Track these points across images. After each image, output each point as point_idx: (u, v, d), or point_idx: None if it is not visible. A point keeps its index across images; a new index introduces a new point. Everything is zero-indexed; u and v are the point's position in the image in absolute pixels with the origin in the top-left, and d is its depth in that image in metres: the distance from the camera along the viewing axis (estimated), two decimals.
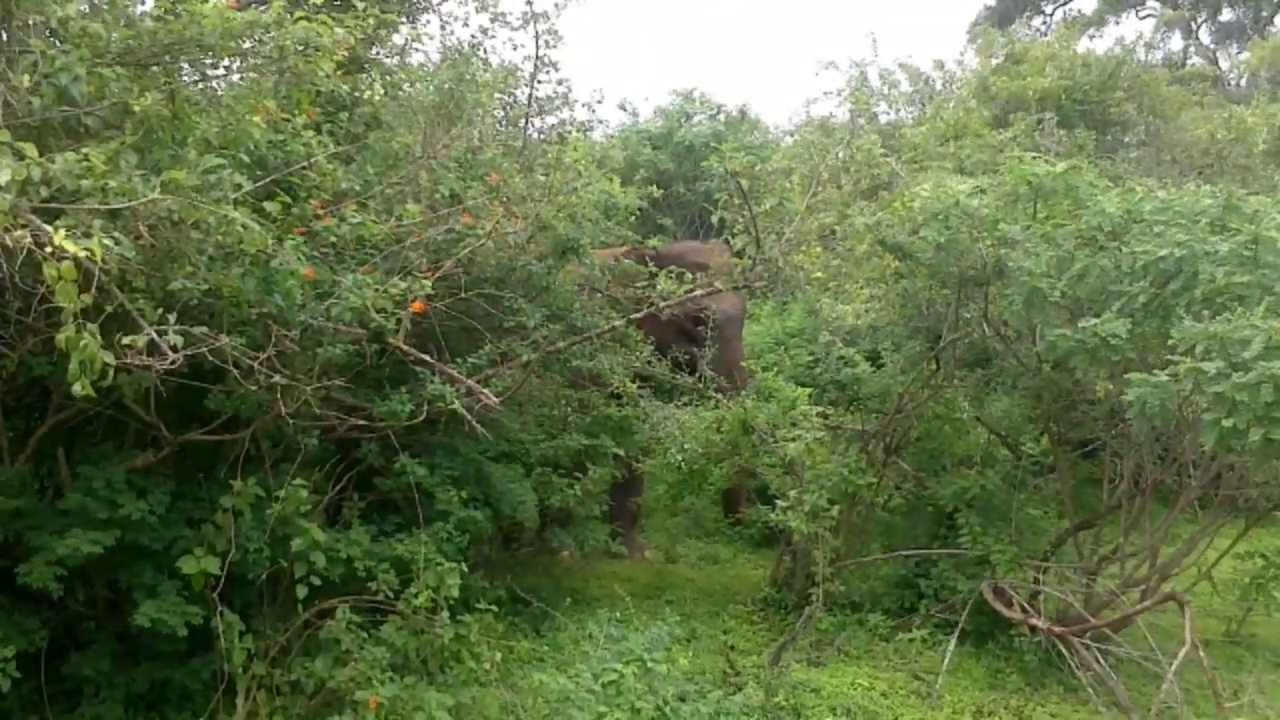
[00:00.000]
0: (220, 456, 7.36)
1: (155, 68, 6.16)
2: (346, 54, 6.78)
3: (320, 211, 7.06)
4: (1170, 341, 7.42)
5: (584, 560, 11.15)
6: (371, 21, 6.89)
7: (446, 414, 7.68)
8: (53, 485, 7.09)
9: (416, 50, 9.80)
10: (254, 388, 6.13)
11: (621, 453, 10.22)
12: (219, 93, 6.95)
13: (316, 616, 7.35)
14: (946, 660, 8.80)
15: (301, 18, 6.27)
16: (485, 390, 7.44)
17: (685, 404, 10.89)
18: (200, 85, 6.59)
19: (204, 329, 5.57)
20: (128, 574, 6.98)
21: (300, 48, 6.18)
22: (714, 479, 10.92)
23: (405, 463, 7.94)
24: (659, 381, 10.98)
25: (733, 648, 9.37)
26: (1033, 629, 8.84)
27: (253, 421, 6.91)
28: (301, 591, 7.04)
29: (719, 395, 10.48)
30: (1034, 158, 9.00)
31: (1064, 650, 8.61)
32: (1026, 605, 9.15)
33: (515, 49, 10.04)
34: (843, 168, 10.68)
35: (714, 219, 10.20)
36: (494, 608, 7.72)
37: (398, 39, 9.45)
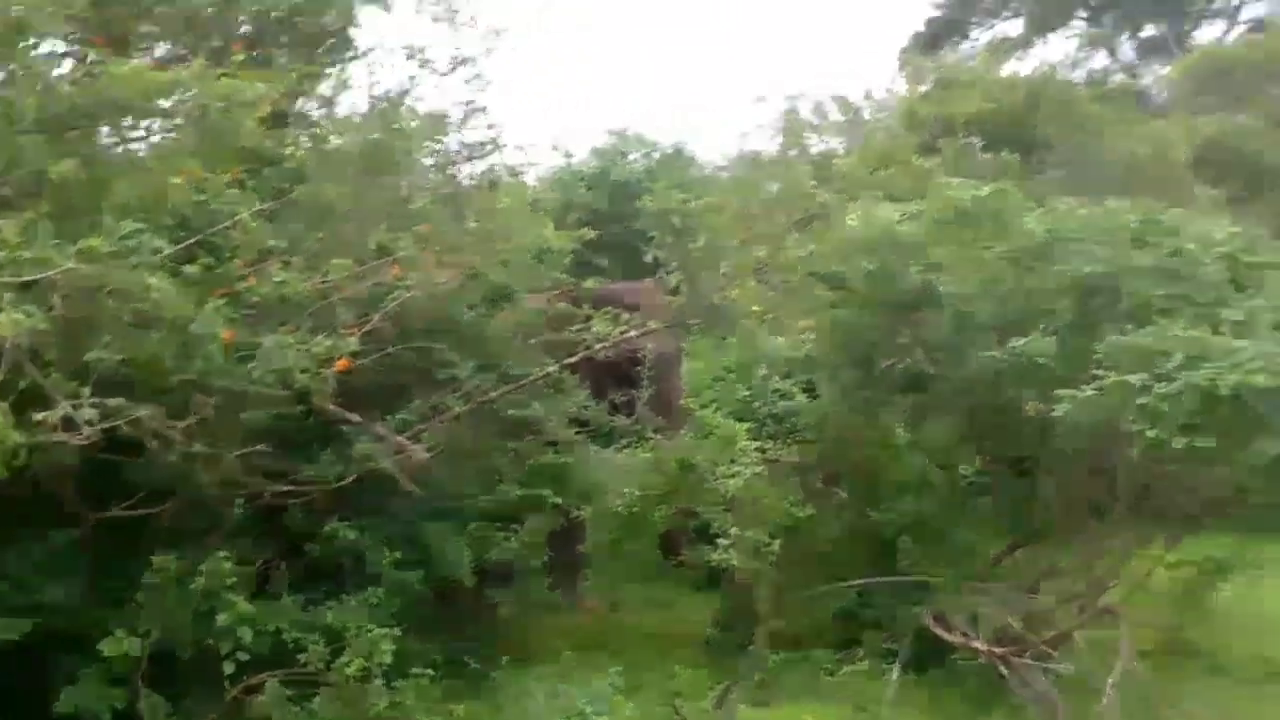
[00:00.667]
0: (144, 532, 7.18)
1: (73, 132, 6.02)
2: (270, 109, 6.65)
3: (244, 271, 6.91)
4: (1096, 356, 7.47)
5: (525, 614, 10.94)
6: (294, 75, 6.76)
7: (376, 474, 7.53)
8: None
9: (340, 103, 9.65)
10: (173, 458, 5.95)
11: (560, 501, 10.06)
12: (140, 154, 6.79)
13: (245, 693, 7.16)
14: (891, 691, 8.73)
15: (223, 74, 6.17)
16: (414, 445, 7.29)
17: (625, 447, 10.77)
18: (120, 148, 6.43)
19: (121, 400, 5.42)
20: (49, 660, 6.83)
21: (222, 105, 6.04)
22: (654, 522, 10.78)
23: (334, 527, 7.77)
24: (598, 425, 10.84)
25: (679, 694, 9.18)
26: (974, 652, 8.79)
27: (174, 494, 6.73)
28: (229, 668, 6.89)
29: (657, 435, 10.37)
30: (959, 183, 9.03)
31: (1005, 671, 8.56)
32: (966, 629, 9.09)
33: (443, 95, 9.94)
34: (775, 201, 10.66)
35: (647, 258, 10.11)
36: (429, 671, 7.56)
37: (325, 90, 9.32)
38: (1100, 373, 7.25)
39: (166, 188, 6.21)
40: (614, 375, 11.10)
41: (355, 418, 7.36)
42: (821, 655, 9.66)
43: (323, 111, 9.72)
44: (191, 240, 6.55)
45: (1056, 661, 8.53)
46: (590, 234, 11.00)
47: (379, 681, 7.21)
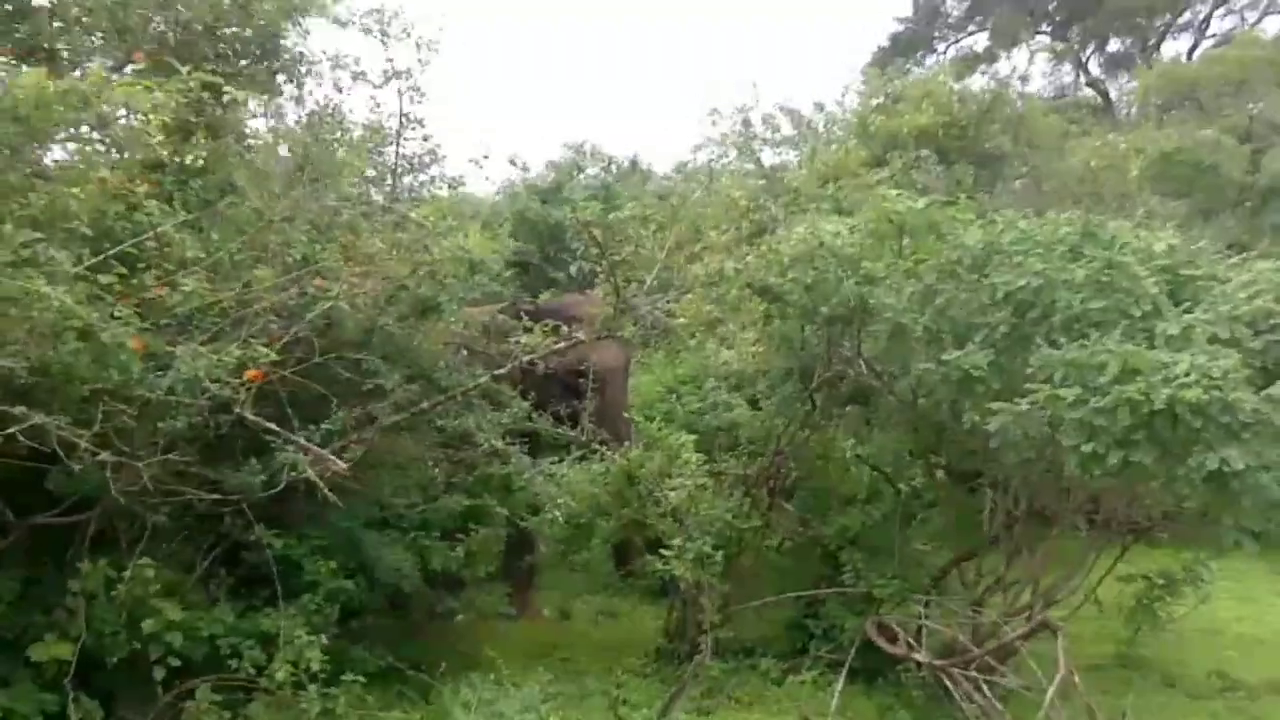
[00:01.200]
0: (74, 539, 7.16)
1: None
2: (171, 119, 6.61)
3: (159, 280, 6.88)
4: (1027, 370, 7.50)
5: (474, 624, 10.92)
6: (194, 84, 6.72)
7: (308, 483, 7.51)
8: None
9: (267, 115, 9.61)
10: (80, 466, 5.93)
11: (505, 512, 10.04)
12: (48, 166, 6.75)
13: (178, 698, 7.18)
14: (835, 701, 8.73)
15: (123, 84, 6.14)
16: (332, 457, 7.28)
17: (577, 459, 10.74)
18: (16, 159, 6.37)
19: (23, 408, 5.40)
20: None
21: (121, 115, 6.02)
22: (600, 533, 10.76)
23: (264, 534, 7.76)
24: (544, 437, 10.81)
25: (625, 701, 9.16)
26: (917, 664, 8.81)
27: (98, 502, 6.70)
28: (159, 673, 6.97)
29: (602, 448, 10.34)
30: (898, 195, 9.07)
31: (949, 684, 8.58)
32: (911, 640, 9.11)
33: (378, 107, 9.91)
34: (722, 213, 10.69)
35: (571, 270, 10.14)
36: (361, 679, 7.56)
37: (253, 104, 9.28)
38: (1034, 387, 7.30)
39: (69, 199, 6.10)
40: (562, 387, 11.07)
41: (274, 427, 7.30)
42: (769, 665, 9.64)
43: (259, 121, 9.68)
44: (111, 252, 6.48)
45: (1001, 674, 8.55)
46: (513, 245, 10.96)
47: (313, 688, 7.20)
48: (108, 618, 7.02)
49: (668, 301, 10.31)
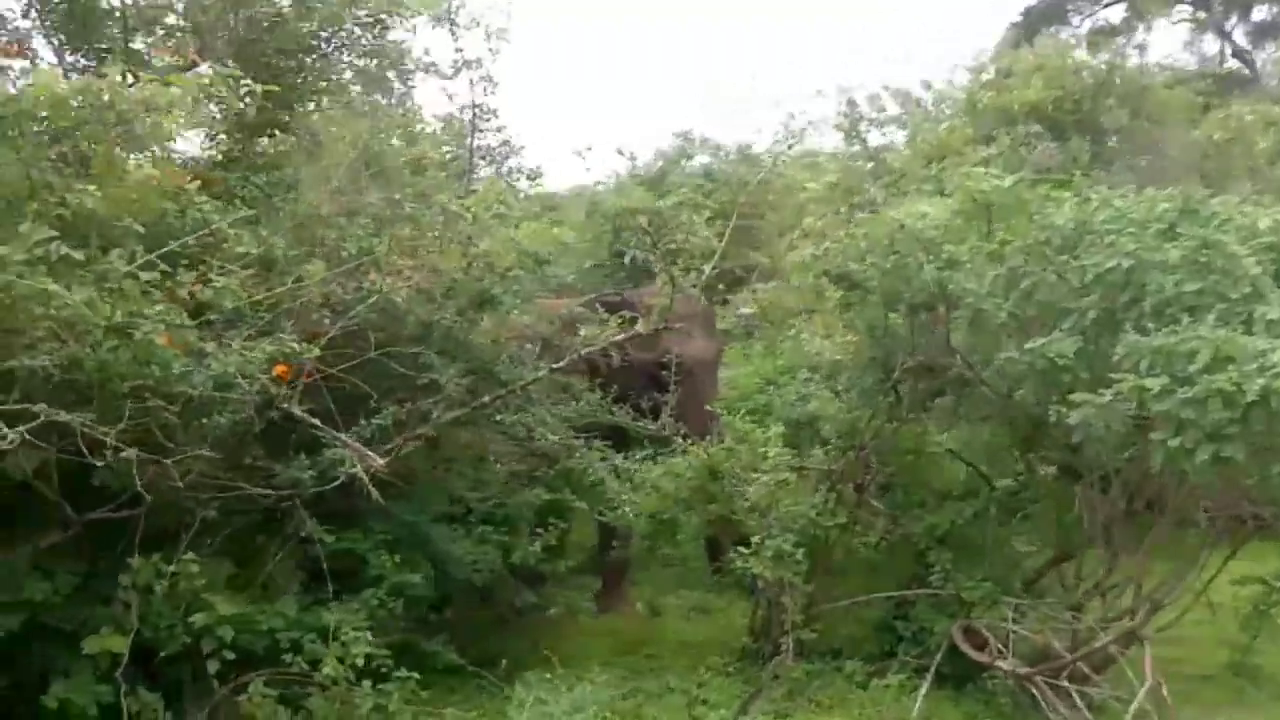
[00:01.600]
0: (135, 532, 7.21)
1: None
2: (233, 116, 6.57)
3: (200, 277, 6.82)
4: (1115, 358, 7.00)
5: (563, 619, 10.76)
6: (207, 80, 6.63)
7: (378, 477, 7.46)
8: None
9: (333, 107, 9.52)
10: (106, 463, 5.92)
11: (585, 506, 9.86)
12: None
13: (234, 692, 7.21)
14: (917, 707, 8.34)
15: (150, 80, 6.08)
16: (370, 453, 7.16)
17: (654, 455, 10.49)
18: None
19: (43, 405, 5.40)
20: (38, 656, 6.95)
21: (142, 111, 5.95)
22: (685, 529, 10.49)
23: (316, 530, 7.73)
24: (630, 432, 10.58)
25: (704, 701, 8.90)
26: (1004, 672, 8.35)
27: (146, 497, 6.71)
28: (213, 666, 6.98)
29: (683, 441, 10.05)
30: (985, 173, 8.58)
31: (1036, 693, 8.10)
32: (1000, 646, 8.62)
33: (450, 98, 9.78)
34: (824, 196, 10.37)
35: (625, 259, 9.86)
36: (415, 675, 7.47)
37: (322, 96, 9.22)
38: (1118, 376, 6.79)
39: (84, 196, 6.04)
40: (645, 379, 10.81)
41: (316, 423, 7.23)
42: (854, 668, 9.25)
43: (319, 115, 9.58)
44: (163, 250, 6.46)
45: (1095, 684, 8.06)
46: (568, 236, 10.63)
47: (366, 683, 7.18)
48: (164, 611, 7.06)
49: (752, 291, 10.00)
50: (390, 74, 9.93)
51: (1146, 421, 6.74)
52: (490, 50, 9.42)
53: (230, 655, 7.12)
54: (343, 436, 7.29)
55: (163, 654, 7.11)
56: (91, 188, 6.04)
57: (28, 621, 6.79)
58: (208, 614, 7.08)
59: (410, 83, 9.58)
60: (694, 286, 9.41)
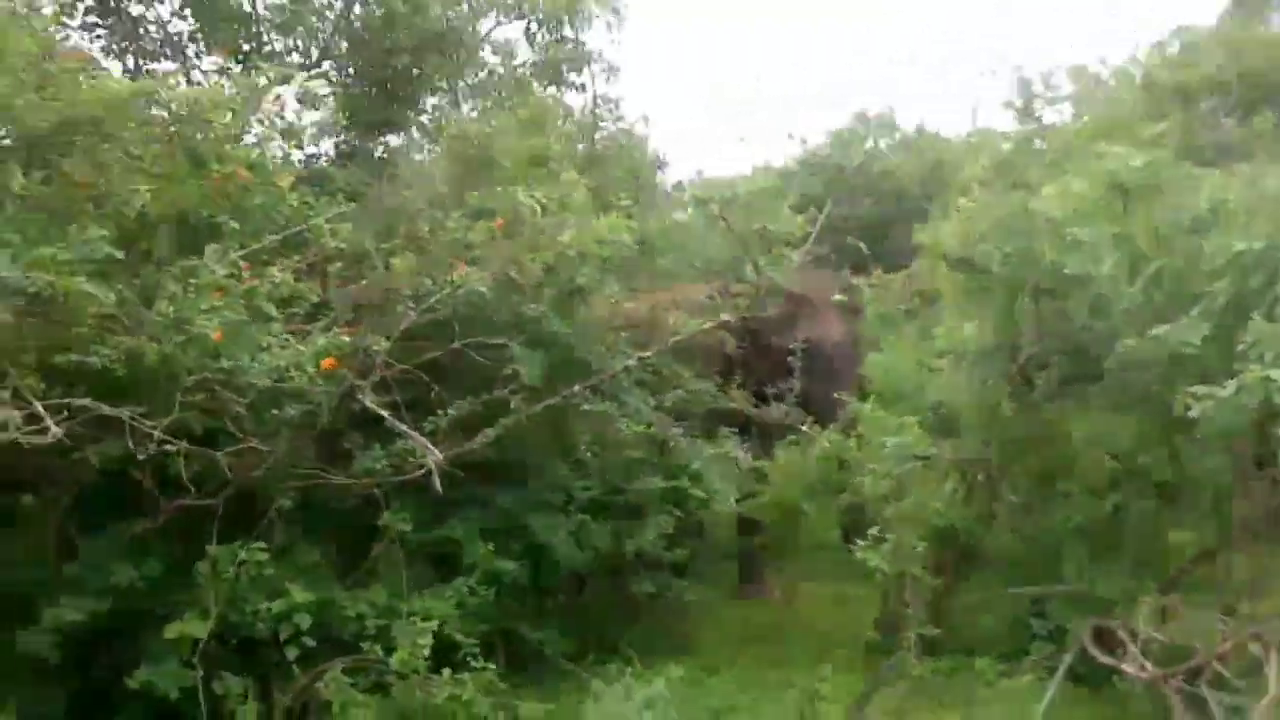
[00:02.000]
0: (222, 520, 7.42)
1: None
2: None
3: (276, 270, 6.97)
4: (1240, 346, 6.54)
5: (698, 606, 10.69)
6: (264, 81, 6.69)
7: (475, 465, 7.51)
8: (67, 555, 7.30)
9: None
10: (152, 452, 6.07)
11: (702, 494, 9.75)
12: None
13: (316, 678, 7.38)
14: (1043, 707, 7.98)
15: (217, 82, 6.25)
16: (431, 447, 7.19)
17: (788, 442, 10.29)
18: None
19: (89, 399, 5.57)
20: (124, 640, 7.22)
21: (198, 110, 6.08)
22: (821, 516, 10.30)
23: (391, 519, 7.89)
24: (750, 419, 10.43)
25: (824, 697, 8.71)
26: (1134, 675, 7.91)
27: (227, 485, 6.89)
28: (291, 652, 7.13)
29: (814, 428, 9.84)
30: (1117, 151, 8.13)
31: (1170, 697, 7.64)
32: (1134, 647, 8.16)
33: (579, 89, 9.77)
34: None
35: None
36: (490, 665, 7.53)
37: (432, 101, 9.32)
38: (1243, 367, 6.34)
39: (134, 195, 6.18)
40: (772, 365, 10.63)
41: (385, 415, 7.29)
42: (986, 665, 9.04)
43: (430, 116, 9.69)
44: (257, 246, 6.66)
45: (1235, 690, 7.56)
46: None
47: (447, 671, 7.23)
48: (249, 597, 7.26)
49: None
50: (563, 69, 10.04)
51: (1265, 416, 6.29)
52: (613, 41, 9.45)
53: (311, 642, 7.30)
54: (401, 427, 7.34)
55: (246, 639, 7.37)
56: (147, 188, 6.20)
57: (117, 606, 7.07)
58: (283, 600, 7.27)
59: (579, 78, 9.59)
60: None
